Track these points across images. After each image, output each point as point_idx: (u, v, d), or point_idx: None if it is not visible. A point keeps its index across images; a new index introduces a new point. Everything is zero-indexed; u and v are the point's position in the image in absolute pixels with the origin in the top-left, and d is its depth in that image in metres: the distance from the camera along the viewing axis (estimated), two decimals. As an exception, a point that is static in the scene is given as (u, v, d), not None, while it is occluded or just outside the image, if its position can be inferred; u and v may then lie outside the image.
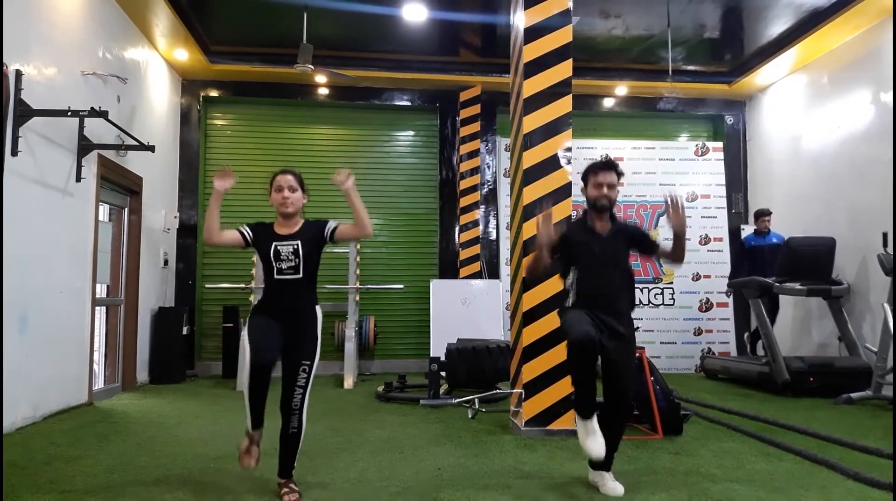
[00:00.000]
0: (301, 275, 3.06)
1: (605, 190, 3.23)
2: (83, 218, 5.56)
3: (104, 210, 6.33)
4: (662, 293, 8.41)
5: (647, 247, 3.39)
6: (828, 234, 6.97)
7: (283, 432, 3.06)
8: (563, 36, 4.71)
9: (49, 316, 4.94)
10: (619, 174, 3.30)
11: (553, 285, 4.32)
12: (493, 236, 8.72)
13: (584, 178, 3.34)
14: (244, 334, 3.15)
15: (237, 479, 3.31)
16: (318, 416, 5.05)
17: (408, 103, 8.80)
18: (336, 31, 7.36)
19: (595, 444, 3.03)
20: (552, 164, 4.61)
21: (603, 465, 3.22)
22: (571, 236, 3.30)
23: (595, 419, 3.09)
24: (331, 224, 3.14)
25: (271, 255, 3.04)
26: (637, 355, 4.78)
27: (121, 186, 6.49)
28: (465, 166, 8.69)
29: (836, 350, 6.92)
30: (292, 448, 3.07)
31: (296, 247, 3.06)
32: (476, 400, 5.23)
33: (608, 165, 3.30)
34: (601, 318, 3.15)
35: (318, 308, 3.15)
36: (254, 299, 6.80)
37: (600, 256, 3.24)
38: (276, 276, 3.05)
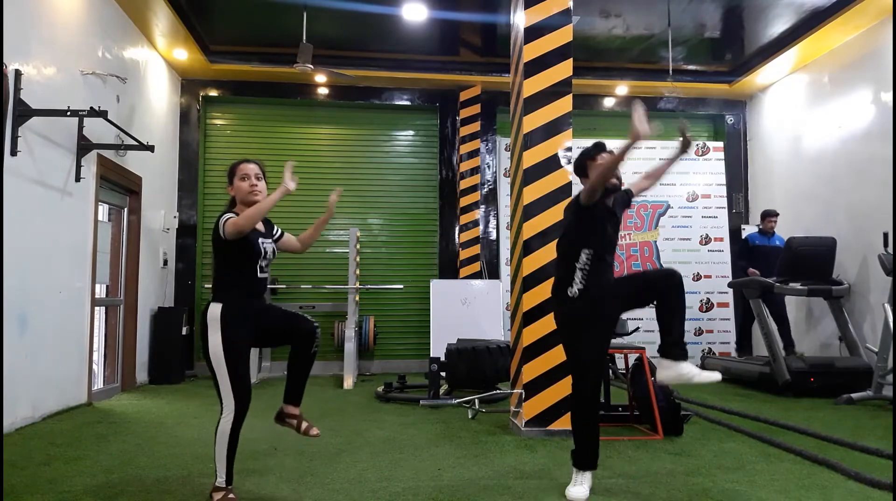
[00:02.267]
0: (268, 274, 3.08)
1: None
2: (82, 218, 5.55)
3: (103, 210, 6.32)
4: (663, 293, 8.38)
5: (628, 201, 3.31)
6: (828, 234, 6.96)
7: (303, 361, 3.00)
8: (563, 35, 4.70)
9: (48, 316, 4.93)
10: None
11: (553, 285, 4.30)
12: (493, 236, 8.71)
13: (583, 165, 3.22)
14: (220, 349, 2.87)
15: (236, 479, 3.30)
16: (318, 416, 5.05)
17: (408, 103, 8.79)
18: (336, 31, 7.35)
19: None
20: (552, 164, 4.61)
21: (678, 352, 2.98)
22: (598, 203, 3.04)
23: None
24: (278, 230, 3.16)
25: (257, 252, 2.94)
26: (638, 355, 4.82)
27: (120, 186, 6.48)
28: (465, 166, 8.68)
29: (837, 350, 6.91)
30: (309, 369, 3.03)
31: (273, 247, 3.08)
32: (476, 401, 5.22)
33: (601, 146, 3.20)
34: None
35: None
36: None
37: (613, 239, 3.13)
38: (259, 274, 2.97)
